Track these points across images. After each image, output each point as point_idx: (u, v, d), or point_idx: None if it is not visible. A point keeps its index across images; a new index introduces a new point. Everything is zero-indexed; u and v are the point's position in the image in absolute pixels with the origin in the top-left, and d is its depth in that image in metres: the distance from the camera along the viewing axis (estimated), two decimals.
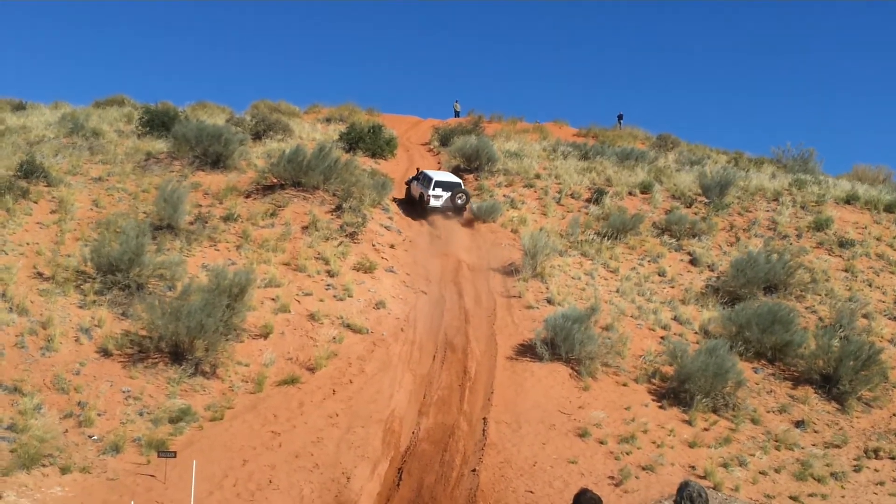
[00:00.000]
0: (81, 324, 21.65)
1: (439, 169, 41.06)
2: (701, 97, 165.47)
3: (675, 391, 22.20)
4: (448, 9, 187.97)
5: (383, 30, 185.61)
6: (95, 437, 18.14)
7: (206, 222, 28.39)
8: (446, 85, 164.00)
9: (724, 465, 19.49)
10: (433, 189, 35.43)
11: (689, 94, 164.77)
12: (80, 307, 22.40)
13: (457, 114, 69.35)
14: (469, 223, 33.97)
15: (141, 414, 19.14)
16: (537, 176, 39.55)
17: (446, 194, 35.57)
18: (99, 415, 18.80)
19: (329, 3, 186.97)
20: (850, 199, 36.90)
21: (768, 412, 22.28)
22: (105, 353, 20.86)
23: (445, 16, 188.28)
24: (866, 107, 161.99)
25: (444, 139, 50.79)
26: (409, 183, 37.84)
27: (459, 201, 35.50)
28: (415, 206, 35.97)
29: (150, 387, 20.09)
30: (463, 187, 36.30)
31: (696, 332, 25.86)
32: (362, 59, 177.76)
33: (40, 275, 23.58)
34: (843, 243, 32.55)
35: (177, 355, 21.08)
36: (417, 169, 39.64)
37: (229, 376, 21.18)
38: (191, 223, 28.19)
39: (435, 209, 35.40)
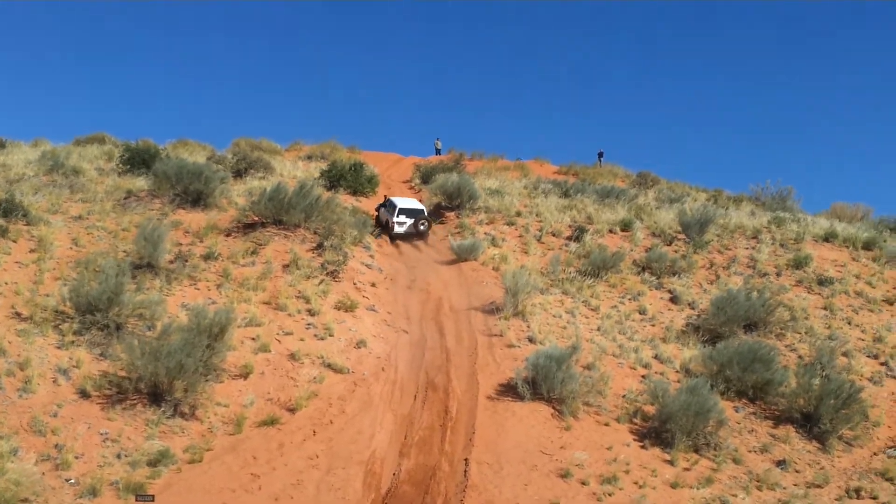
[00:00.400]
0: (59, 365, 21.44)
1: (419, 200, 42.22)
2: (680, 135, 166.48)
3: (656, 430, 22.16)
4: (428, 47, 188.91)
5: (365, 68, 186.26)
6: (73, 481, 17.92)
7: (187, 261, 28.28)
8: (428, 123, 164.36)
9: None
10: (397, 216, 37.92)
11: (669, 132, 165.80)
12: (59, 347, 22.20)
13: (438, 151, 69.52)
14: (450, 262, 33.98)
15: (119, 456, 18.93)
16: (518, 213, 39.67)
17: (410, 220, 38.09)
18: (76, 457, 18.58)
19: (310, 41, 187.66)
20: (828, 237, 37.17)
21: (750, 451, 22.26)
22: (83, 394, 20.66)
23: (427, 54, 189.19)
24: (844, 145, 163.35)
25: (426, 177, 50.97)
26: (378, 209, 40.01)
27: (422, 227, 38.15)
28: (384, 230, 38.04)
29: (128, 429, 19.89)
30: (425, 214, 38.66)
31: (677, 371, 25.87)
32: (344, 96, 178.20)
33: (18, 315, 23.38)
34: (823, 281, 32.71)
35: (156, 396, 20.90)
36: (385, 196, 42.46)
37: (208, 417, 21.01)
38: (171, 262, 28.07)
39: (399, 235, 37.65)
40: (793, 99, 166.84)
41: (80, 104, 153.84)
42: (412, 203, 39.49)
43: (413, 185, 52.13)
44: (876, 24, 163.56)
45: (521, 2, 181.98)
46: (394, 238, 37.55)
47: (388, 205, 38.98)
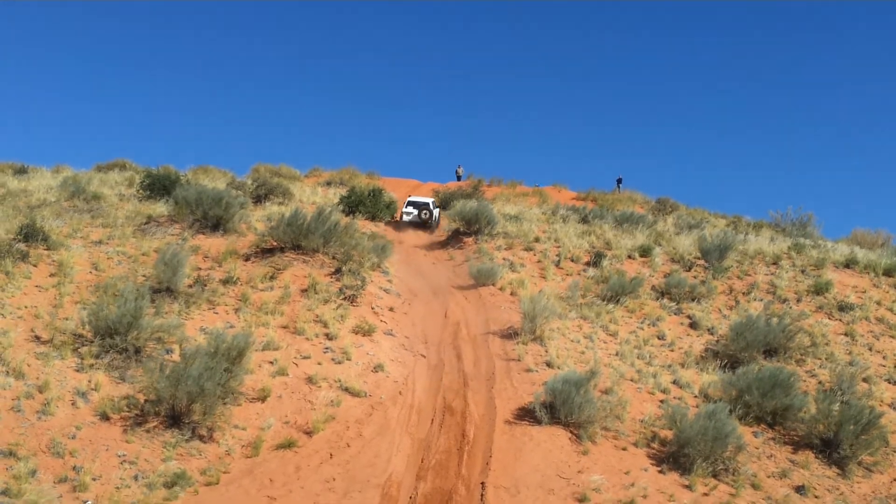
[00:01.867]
0: (78, 387, 21.54)
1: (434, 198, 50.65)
2: (700, 161, 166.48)
3: (674, 455, 22.02)
4: (448, 73, 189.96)
5: (384, 93, 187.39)
6: (90, 502, 17.96)
7: (206, 285, 28.41)
8: (446, 149, 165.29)
9: None
10: (406, 207, 46.62)
11: (688, 158, 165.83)
12: (78, 371, 22.31)
13: (459, 178, 69.82)
14: (468, 287, 34.02)
15: (136, 478, 18.96)
16: (537, 239, 39.72)
17: (415, 211, 46.15)
18: (94, 479, 18.62)
19: (330, 67, 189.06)
20: (849, 263, 37.02)
21: (769, 477, 22.08)
22: (102, 416, 20.73)
23: (446, 80, 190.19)
24: (866, 171, 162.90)
25: (444, 202, 51.07)
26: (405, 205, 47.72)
27: (424, 216, 45.81)
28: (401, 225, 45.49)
29: (145, 451, 19.94)
30: (430, 206, 46.52)
31: (695, 396, 25.74)
32: (363, 122, 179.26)
33: (38, 338, 23.53)
34: (843, 307, 32.53)
35: (174, 419, 20.96)
36: (409, 195, 50.62)
37: (226, 440, 21.03)
38: (190, 286, 28.22)
39: (406, 223, 45.36)
40: (814, 124, 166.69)
41: (102, 131, 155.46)
42: (421, 198, 48.58)
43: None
44: None
45: (539, 30, 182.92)
46: (402, 225, 45.21)
47: (406, 202, 47.81)
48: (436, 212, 47.02)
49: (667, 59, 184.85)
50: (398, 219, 46.71)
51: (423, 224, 45.35)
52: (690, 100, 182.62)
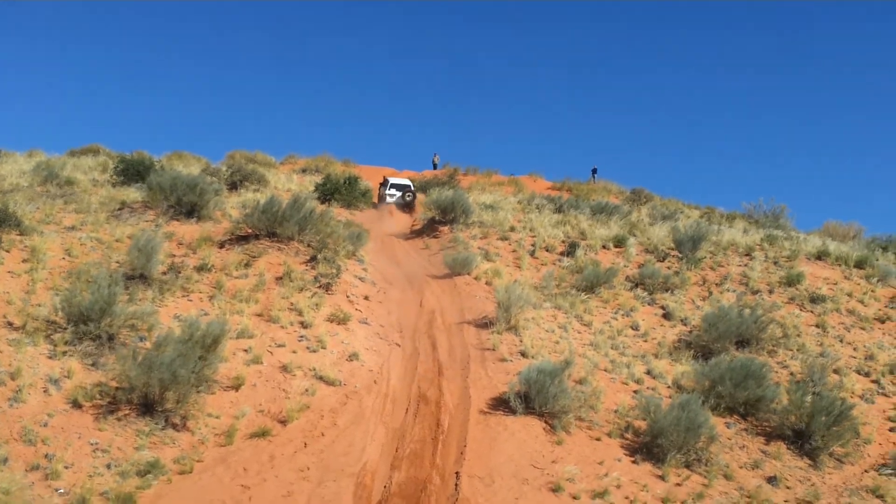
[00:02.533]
0: (51, 374, 21.35)
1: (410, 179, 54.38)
2: (674, 152, 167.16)
3: (648, 446, 22.16)
4: (424, 62, 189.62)
5: (360, 81, 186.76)
6: (62, 491, 17.85)
7: (180, 272, 28.24)
8: (422, 137, 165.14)
9: None
10: (389, 189, 50.24)
11: (663, 149, 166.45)
12: (50, 357, 22.12)
13: (435, 166, 69.94)
14: (444, 276, 34.03)
15: (109, 467, 18.85)
16: (512, 228, 39.79)
17: (398, 193, 49.94)
18: (66, 467, 18.50)
19: (305, 54, 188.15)
20: (821, 255, 37.33)
21: (741, 467, 22.26)
22: (74, 404, 20.57)
23: (422, 68, 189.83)
24: (838, 163, 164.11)
25: (421, 191, 51.06)
26: (379, 187, 51.69)
27: (407, 198, 49.84)
28: (380, 202, 49.07)
29: (118, 439, 19.82)
30: (411, 188, 50.45)
31: (668, 387, 25.89)
32: (338, 110, 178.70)
33: (10, 324, 23.30)
34: (815, 299, 32.80)
35: (147, 407, 20.84)
36: (384, 177, 54.10)
37: (199, 428, 20.94)
38: (164, 273, 28.04)
39: (389, 203, 48.80)
40: (786, 117, 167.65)
41: (76, 116, 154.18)
42: (401, 180, 51.95)
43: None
44: (870, 40, 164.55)
45: (515, 21, 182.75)
46: (382, 204, 48.83)
47: (384, 182, 51.34)
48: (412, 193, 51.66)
49: (641, 51, 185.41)
50: (376, 202, 49.45)
51: (406, 205, 49.39)
52: (665, 91, 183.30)
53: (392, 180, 51.44)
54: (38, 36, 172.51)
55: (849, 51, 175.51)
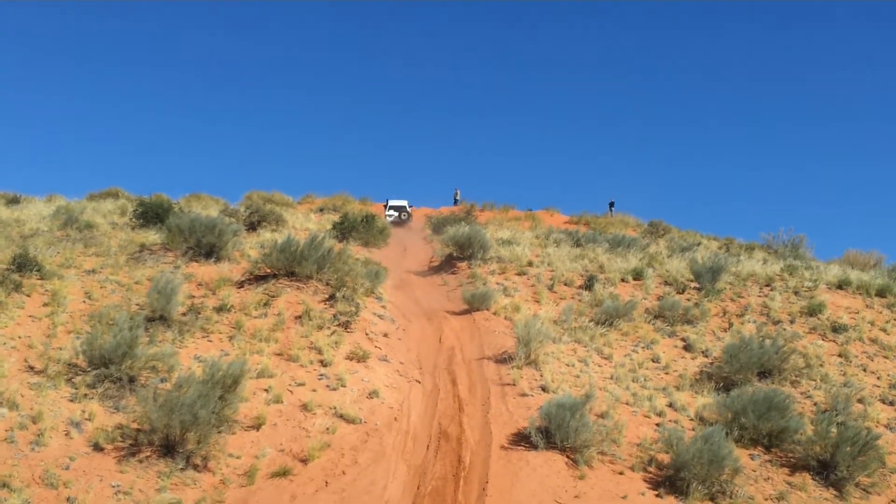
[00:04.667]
0: (72, 418, 21.43)
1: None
2: (692, 184, 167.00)
3: (671, 479, 21.97)
4: (438, 98, 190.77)
5: (377, 120, 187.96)
6: None
7: (199, 313, 28.35)
8: (439, 175, 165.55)
9: None
10: (388, 210, 62.50)
11: (680, 181, 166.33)
12: (71, 401, 22.21)
13: (456, 201, 70.23)
14: (462, 312, 33.98)
15: None
16: (530, 263, 39.74)
17: (395, 213, 62.23)
18: None
19: (320, 93, 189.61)
20: (841, 285, 37.10)
21: (766, 499, 22.04)
22: (96, 447, 20.63)
23: (436, 105, 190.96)
24: (858, 192, 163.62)
25: (437, 227, 51.19)
26: (384, 207, 62.99)
27: (402, 217, 62.21)
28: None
29: (140, 481, 19.83)
30: (406, 208, 63.39)
31: (691, 419, 25.70)
32: (356, 149, 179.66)
33: (31, 368, 23.44)
34: (837, 328, 32.57)
35: (168, 448, 20.86)
36: (387, 200, 64.58)
37: (220, 469, 20.93)
38: (184, 314, 28.15)
39: (390, 223, 55.63)
40: (806, 147, 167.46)
41: (95, 160, 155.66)
42: (399, 202, 63.92)
43: (424, 235, 52.39)
44: (889, 65, 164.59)
45: (528, 52, 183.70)
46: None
47: (385, 205, 63.21)
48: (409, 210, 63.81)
49: (655, 85, 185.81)
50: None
51: (402, 222, 60.94)
52: (682, 123, 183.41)
53: (391, 202, 63.70)
54: (58, 83, 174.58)
55: (868, 73, 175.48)
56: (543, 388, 26.55)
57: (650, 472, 22.57)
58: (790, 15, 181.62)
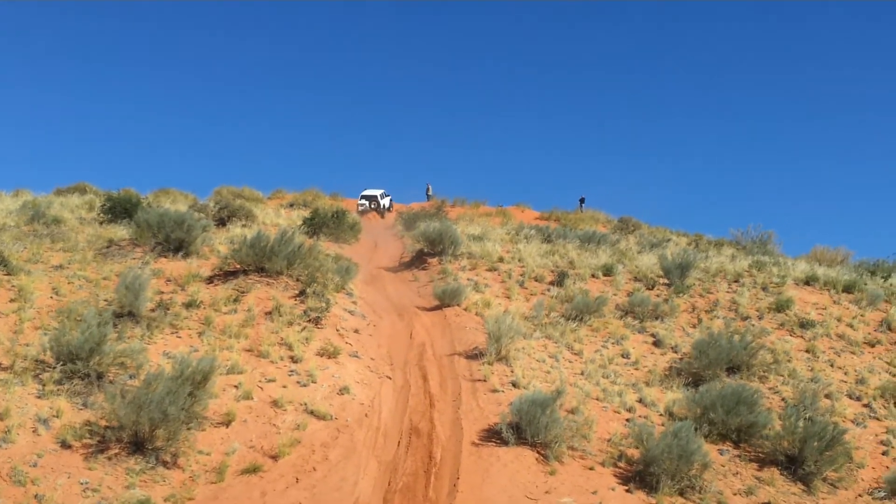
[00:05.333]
0: (40, 414, 21.22)
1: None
2: (661, 180, 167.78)
3: (641, 474, 22.06)
4: (408, 92, 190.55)
5: (347, 114, 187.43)
6: None
7: (168, 309, 28.16)
8: (408, 169, 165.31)
9: None
10: (360, 200, 64.67)
11: (650, 178, 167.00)
12: (39, 397, 22.00)
13: (428, 196, 70.26)
14: (433, 308, 33.96)
15: None
16: (501, 259, 39.79)
17: (366, 202, 64.22)
18: None
19: (290, 88, 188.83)
20: (809, 281, 37.43)
21: (735, 494, 22.19)
22: (63, 444, 20.44)
23: (407, 99, 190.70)
24: (825, 188, 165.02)
25: (408, 223, 51.14)
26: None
27: (372, 206, 64.01)
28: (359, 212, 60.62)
29: (108, 478, 19.68)
30: (378, 197, 64.95)
31: (660, 414, 25.83)
32: (326, 144, 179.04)
33: None
34: (804, 324, 32.86)
35: (137, 445, 20.72)
36: (363, 190, 66.87)
37: (190, 466, 20.82)
38: (152, 310, 27.95)
39: (362, 212, 61.34)
40: (774, 144, 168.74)
41: (62, 154, 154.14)
42: (371, 191, 65.83)
43: (395, 231, 52.34)
44: (855, 64, 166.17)
45: (500, 45, 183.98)
46: (360, 213, 60.08)
47: (361, 195, 65.46)
48: (385, 201, 66.40)
49: (625, 83, 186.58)
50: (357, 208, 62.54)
51: (376, 210, 63.94)
52: (651, 120, 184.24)
53: (364, 192, 65.78)
54: (23, 74, 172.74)
55: (831, 71, 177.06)
56: (514, 384, 26.58)
57: (620, 468, 22.67)
58: (752, 10, 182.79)
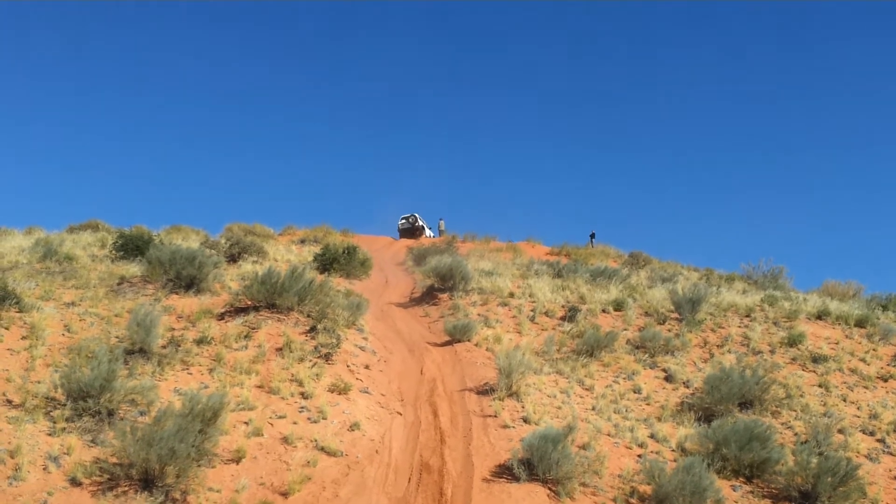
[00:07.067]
0: (50, 451, 21.22)
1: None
2: (672, 215, 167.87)
3: None
4: (418, 131, 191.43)
5: (358, 152, 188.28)
6: None
7: (179, 346, 28.20)
8: (418, 205, 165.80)
9: None
10: (400, 221, 73.68)
11: (660, 212, 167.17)
12: (50, 434, 22.00)
13: (441, 232, 70.56)
14: (444, 343, 33.94)
15: None
16: (511, 294, 39.79)
17: (407, 221, 73.03)
18: None
19: (300, 124, 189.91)
20: (821, 315, 37.34)
21: None
22: (74, 481, 20.42)
23: (416, 138, 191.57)
24: (836, 222, 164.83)
25: (419, 259, 51.21)
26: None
27: (411, 221, 72.61)
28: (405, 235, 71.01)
29: None
30: (418, 217, 73.31)
31: (672, 450, 25.70)
32: (338, 180, 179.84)
33: (9, 402, 23.22)
34: (817, 358, 32.73)
35: (146, 483, 20.67)
36: (401, 216, 74.44)
37: (200, 503, 20.75)
38: (163, 347, 28.00)
39: (403, 231, 72.44)
40: (784, 178, 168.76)
41: (75, 192, 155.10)
42: (411, 216, 73.54)
43: (406, 266, 52.40)
44: (869, 95, 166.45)
45: (508, 82, 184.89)
46: (400, 232, 72.78)
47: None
48: (422, 222, 74.09)
49: (635, 116, 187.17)
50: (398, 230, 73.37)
51: (412, 231, 72.39)
52: (662, 155, 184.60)
53: (401, 217, 74.43)
54: (37, 114, 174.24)
55: (849, 108, 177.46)
56: (525, 420, 26.51)
57: None
58: (761, 37, 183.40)
